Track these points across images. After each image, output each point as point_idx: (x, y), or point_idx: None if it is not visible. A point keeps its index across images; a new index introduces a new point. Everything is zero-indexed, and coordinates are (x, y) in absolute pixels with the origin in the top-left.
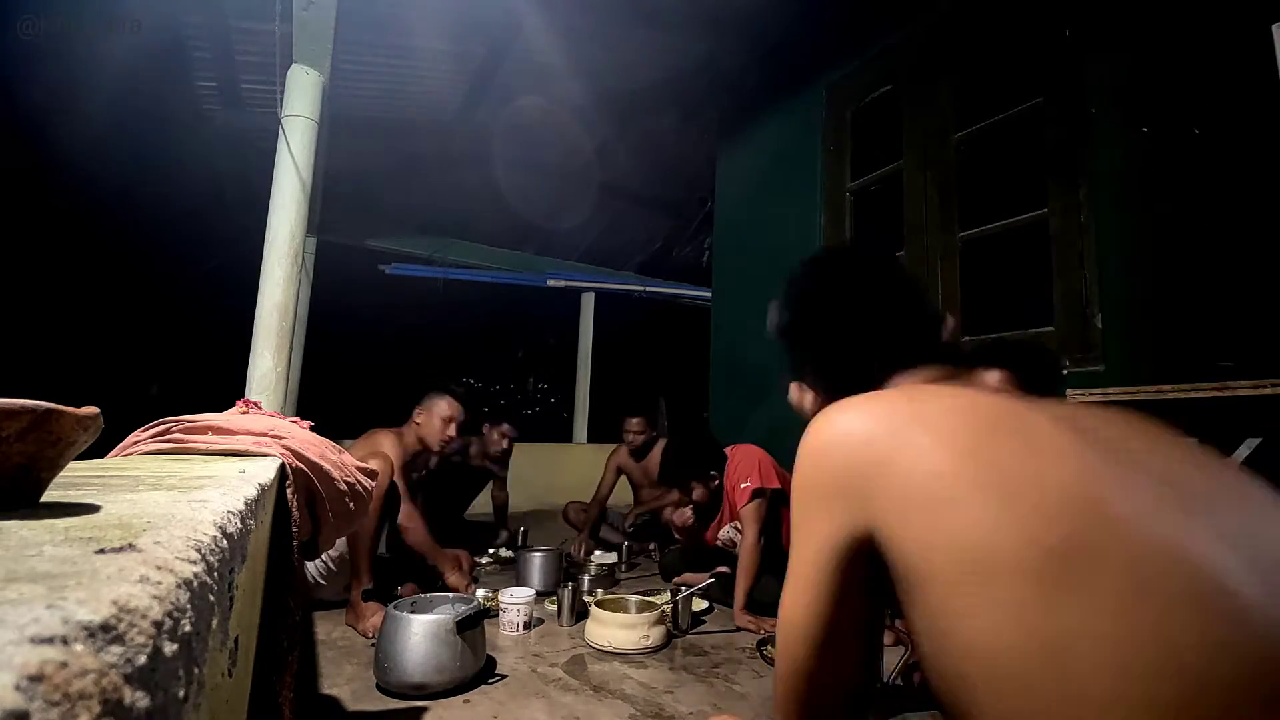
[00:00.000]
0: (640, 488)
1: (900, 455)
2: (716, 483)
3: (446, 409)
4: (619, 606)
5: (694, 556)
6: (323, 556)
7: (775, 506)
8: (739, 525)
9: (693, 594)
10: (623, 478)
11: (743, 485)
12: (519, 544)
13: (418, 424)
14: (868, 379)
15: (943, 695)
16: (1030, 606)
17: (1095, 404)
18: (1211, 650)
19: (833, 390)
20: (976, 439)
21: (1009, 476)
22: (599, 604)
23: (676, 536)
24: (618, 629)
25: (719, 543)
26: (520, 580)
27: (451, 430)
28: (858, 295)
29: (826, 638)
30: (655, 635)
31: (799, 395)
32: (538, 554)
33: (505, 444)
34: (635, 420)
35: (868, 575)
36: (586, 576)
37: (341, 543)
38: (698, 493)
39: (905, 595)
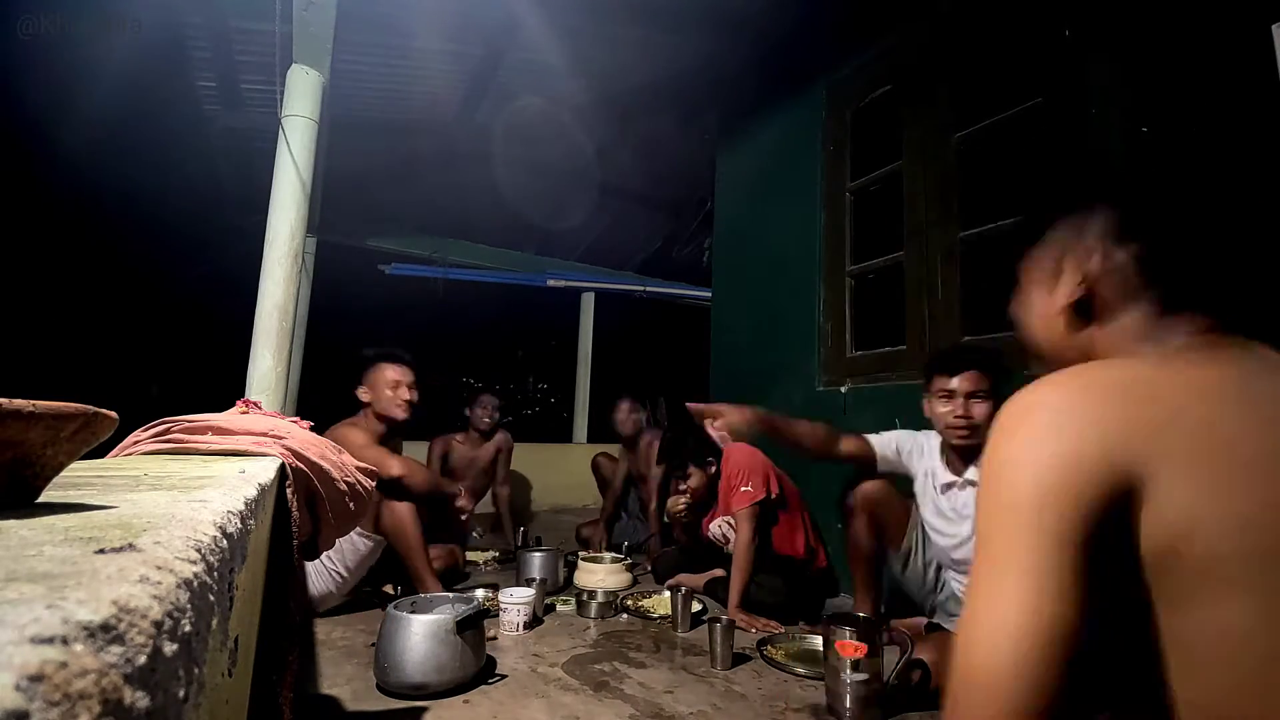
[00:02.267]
0: (640, 481)
1: (1195, 417)
2: (714, 469)
3: (389, 374)
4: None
5: (689, 557)
6: (333, 569)
7: (769, 510)
8: (732, 521)
9: (692, 594)
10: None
11: (744, 488)
12: (519, 544)
13: (366, 403)
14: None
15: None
16: None
17: None
18: None
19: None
20: (1270, 415)
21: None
22: (585, 559)
23: (675, 535)
24: (606, 574)
25: (711, 537)
26: (520, 579)
27: (405, 393)
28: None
29: (1055, 653)
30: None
31: (1046, 309)
32: (538, 554)
33: (491, 413)
34: (623, 404)
35: (1105, 575)
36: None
37: (352, 553)
38: (695, 478)
39: (1163, 582)
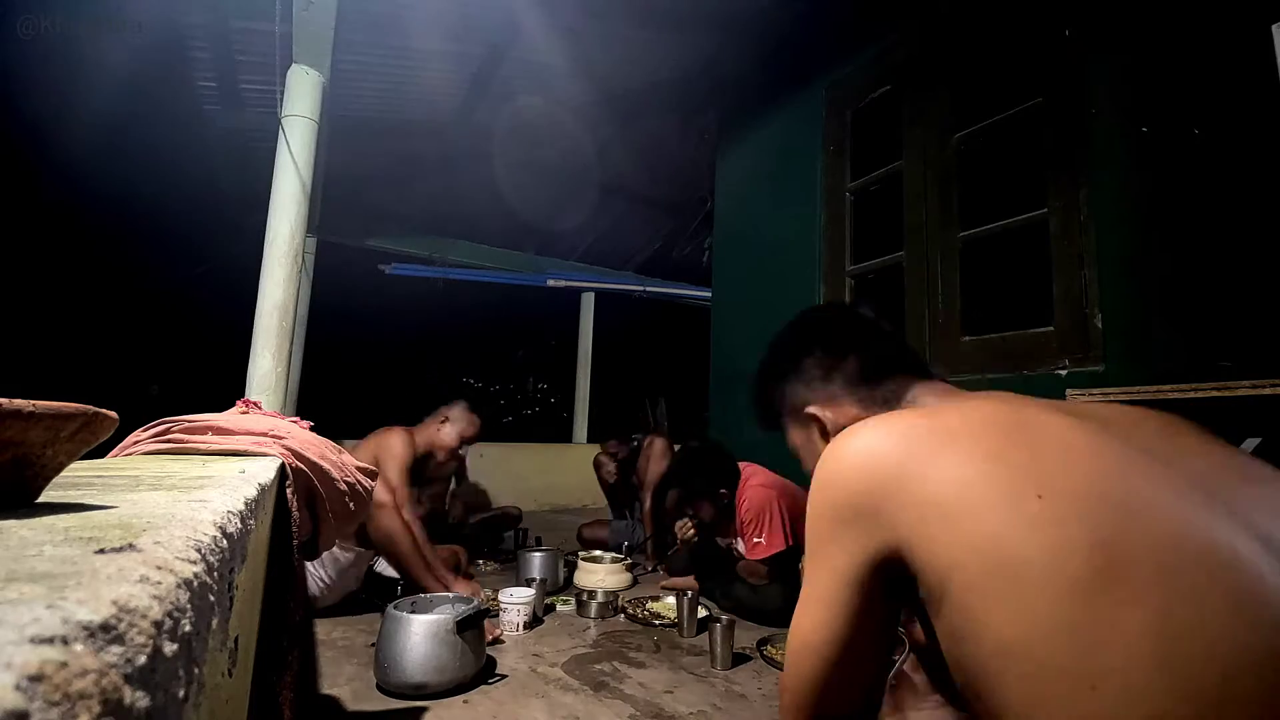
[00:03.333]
0: (641, 488)
1: (922, 469)
2: (726, 500)
3: (470, 427)
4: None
5: (700, 558)
6: (317, 574)
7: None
8: (743, 549)
9: (698, 598)
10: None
11: (756, 540)
12: (519, 544)
13: (437, 429)
14: (895, 369)
15: (972, 696)
16: (1064, 604)
17: (1119, 403)
18: (1249, 639)
19: (857, 404)
20: (998, 446)
21: (1034, 480)
22: (584, 559)
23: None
24: (606, 574)
25: (722, 544)
26: (520, 579)
27: (464, 448)
28: (853, 322)
29: (841, 657)
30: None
31: (803, 437)
32: (538, 554)
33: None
34: (610, 443)
35: (886, 594)
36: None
37: (332, 563)
38: (706, 512)
39: (932, 603)
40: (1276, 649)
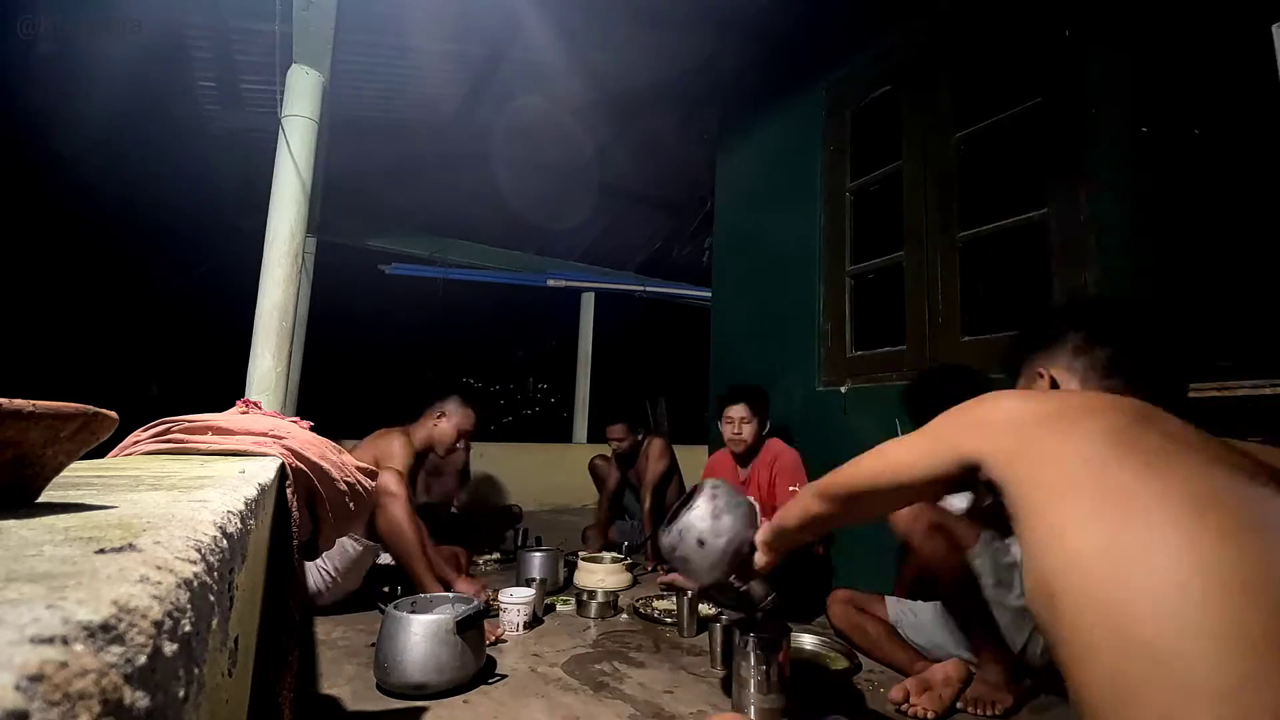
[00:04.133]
0: (640, 489)
1: (1069, 430)
2: (766, 426)
3: (466, 421)
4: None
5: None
6: (324, 567)
7: None
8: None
9: (696, 598)
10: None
11: (792, 487)
12: (519, 543)
13: (434, 425)
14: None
15: (1041, 613)
16: (1104, 522)
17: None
18: None
19: (1079, 385)
20: (1121, 436)
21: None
22: (584, 559)
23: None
24: (606, 574)
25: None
26: (520, 580)
27: (461, 442)
28: (1122, 322)
29: (889, 484)
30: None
31: (1027, 383)
32: (538, 554)
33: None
34: (616, 427)
35: (950, 483)
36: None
37: (342, 556)
38: (748, 428)
39: (1017, 514)
40: None
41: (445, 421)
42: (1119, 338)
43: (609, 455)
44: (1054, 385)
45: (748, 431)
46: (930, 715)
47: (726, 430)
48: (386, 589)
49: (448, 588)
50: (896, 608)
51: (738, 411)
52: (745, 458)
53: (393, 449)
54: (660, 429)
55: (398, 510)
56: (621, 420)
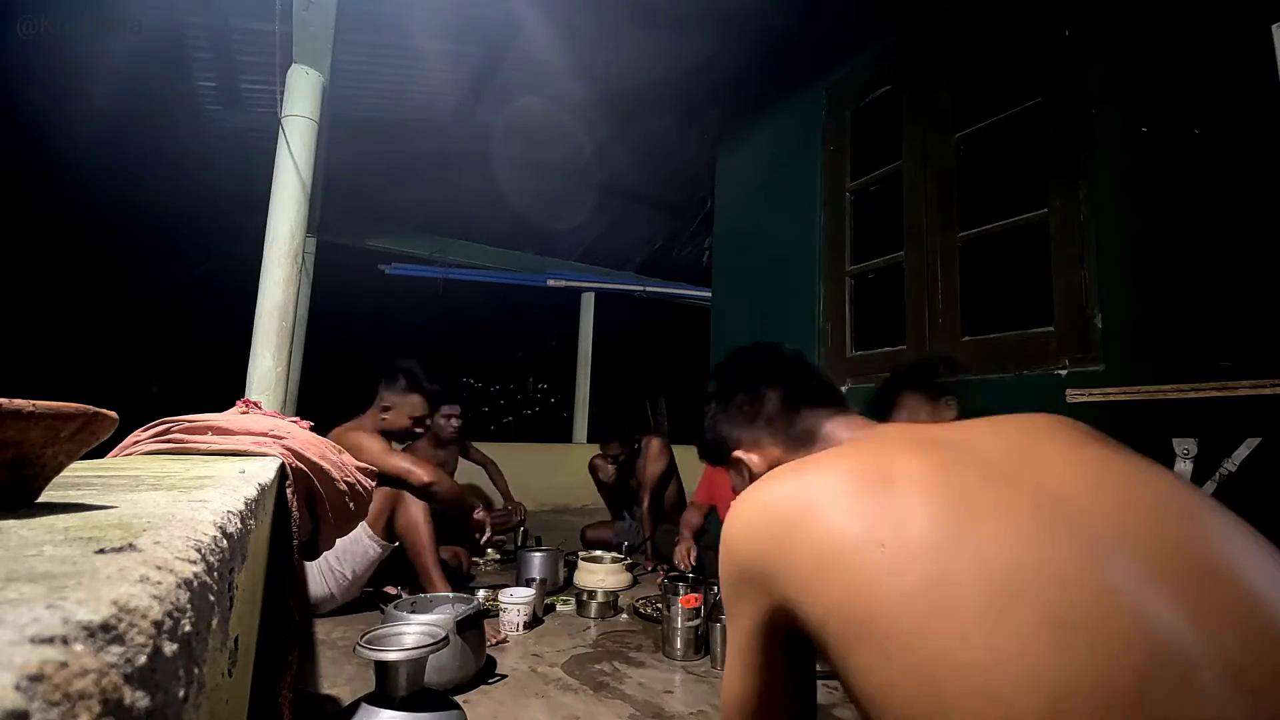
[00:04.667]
0: (640, 489)
1: (794, 534)
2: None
3: (418, 408)
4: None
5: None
6: (339, 569)
7: None
8: None
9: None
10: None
11: None
12: (519, 543)
13: (383, 418)
14: (799, 431)
15: None
16: (903, 643)
17: (1007, 419)
18: (1081, 659)
19: (778, 445)
20: (858, 501)
21: (881, 530)
22: (584, 559)
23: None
24: (606, 574)
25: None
26: (520, 580)
27: (419, 429)
28: (772, 363)
29: (760, 707)
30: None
31: (739, 481)
32: (538, 554)
33: (455, 423)
34: (612, 444)
35: (794, 648)
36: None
37: (363, 558)
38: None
39: (821, 653)
40: (1123, 658)
41: (396, 414)
42: (764, 374)
43: (606, 455)
44: (750, 474)
45: None
46: None
47: None
48: (391, 589)
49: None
50: None
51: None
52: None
53: (362, 443)
54: (660, 429)
55: (418, 507)
56: (616, 436)
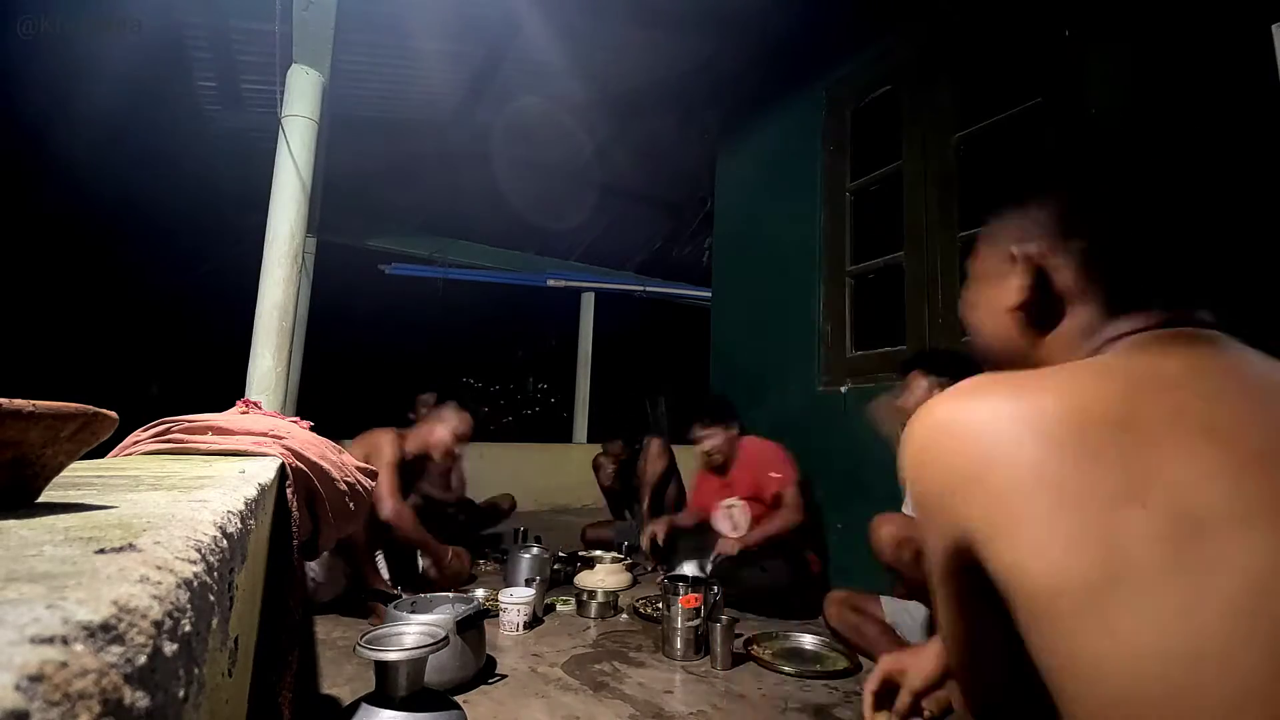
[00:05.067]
0: (640, 489)
1: (992, 472)
2: (736, 431)
3: (461, 425)
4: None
5: (689, 539)
6: (322, 555)
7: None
8: (741, 504)
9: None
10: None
11: (773, 474)
12: (518, 542)
13: (432, 430)
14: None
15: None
16: (1094, 626)
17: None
18: None
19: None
20: (1078, 444)
21: (1155, 487)
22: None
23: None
24: (606, 574)
25: (723, 519)
26: (510, 580)
27: (459, 447)
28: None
29: (967, 653)
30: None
31: (986, 286)
32: (526, 555)
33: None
34: (614, 444)
35: (985, 589)
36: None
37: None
38: (718, 437)
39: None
40: None
41: (443, 428)
42: (1105, 213)
43: (608, 454)
44: (1030, 301)
45: (720, 442)
46: (927, 714)
47: (703, 458)
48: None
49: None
50: (893, 607)
51: (702, 433)
52: (725, 466)
53: (381, 445)
54: (660, 429)
55: (393, 505)
56: (618, 436)
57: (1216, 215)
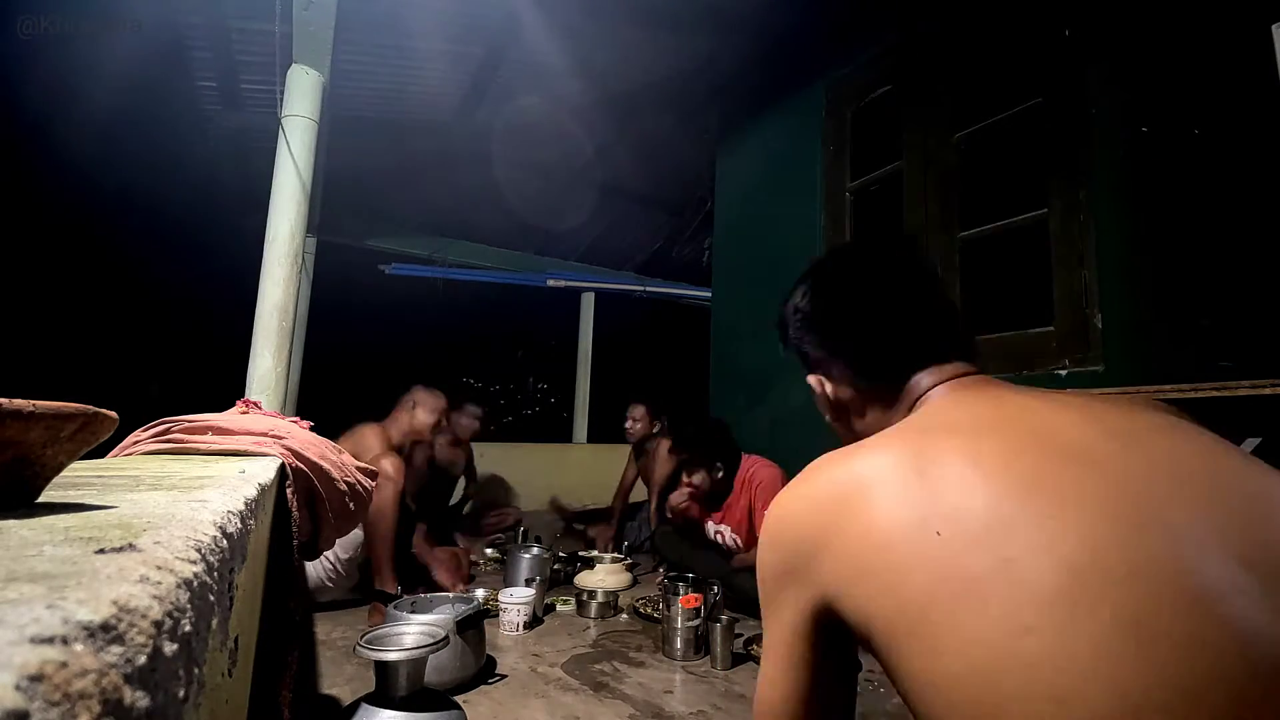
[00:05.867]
0: (648, 489)
1: (845, 525)
2: (720, 474)
3: (436, 401)
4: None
5: (687, 535)
6: (329, 560)
7: None
8: (737, 539)
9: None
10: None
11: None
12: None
13: (408, 416)
14: (893, 368)
15: None
16: (957, 635)
17: (1097, 395)
18: (1166, 668)
19: (862, 377)
20: (908, 483)
21: (938, 511)
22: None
23: (668, 515)
24: (606, 574)
25: (714, 535)
26: (510, 580)
27: (442, 420)
28: (881, 285)
29: (800, 709)
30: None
31: (820, 387)
32: (525, 555)
33: (477, 424)
34: (638, 408)
35: (838, 642)
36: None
37: (348, 546)
38: (698, 477)
39: (865, 644)
40: (1225, 658)
41: (419, 410)
42: (841, 326)
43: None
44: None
45: (706, 484)
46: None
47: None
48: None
49: (428, 580)
50: None
51: (689, 477)
52: (717, 499)
53: (370, 442)
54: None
55: (388, 493)
56: (644, 402)
57: (924, 296)
